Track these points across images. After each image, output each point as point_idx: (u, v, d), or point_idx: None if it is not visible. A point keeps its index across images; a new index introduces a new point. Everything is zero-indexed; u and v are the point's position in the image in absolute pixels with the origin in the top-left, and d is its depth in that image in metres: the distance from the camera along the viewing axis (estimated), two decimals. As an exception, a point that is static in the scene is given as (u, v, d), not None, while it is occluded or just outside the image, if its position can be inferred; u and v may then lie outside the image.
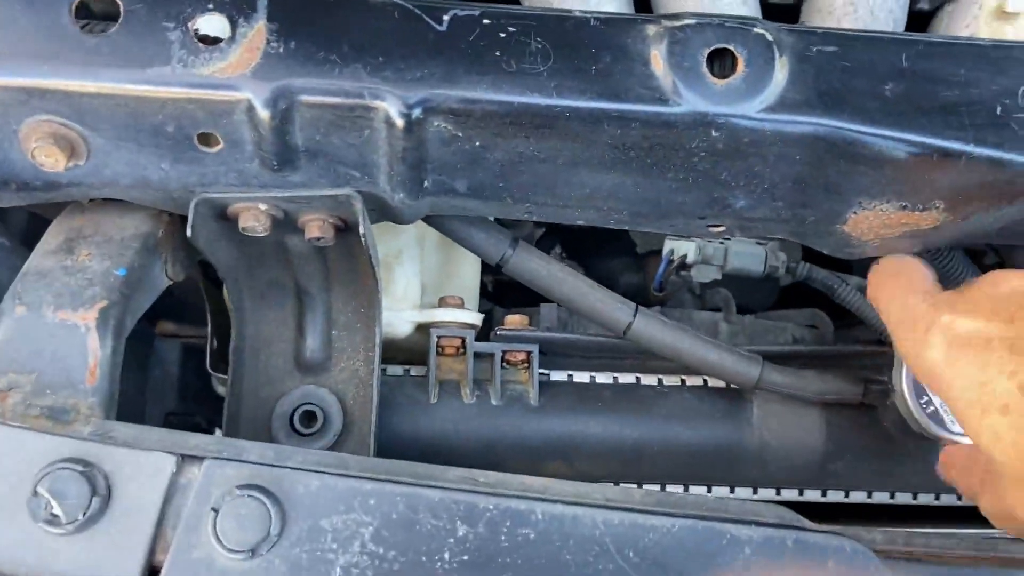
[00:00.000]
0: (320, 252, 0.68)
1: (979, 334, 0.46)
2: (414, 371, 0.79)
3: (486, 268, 0.87)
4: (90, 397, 0.53)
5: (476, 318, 0.79)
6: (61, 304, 0.56)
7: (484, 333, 0.81)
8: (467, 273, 0.85)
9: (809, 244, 0.65)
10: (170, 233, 0.65)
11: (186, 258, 0.68)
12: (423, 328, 0.78)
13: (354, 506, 0.49)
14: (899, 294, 0.54)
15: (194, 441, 0.52)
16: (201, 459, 0.50)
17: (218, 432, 0.73)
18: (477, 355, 0.76)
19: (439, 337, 0.75)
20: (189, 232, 0.58)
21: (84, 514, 0.47)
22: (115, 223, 0.62)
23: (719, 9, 0.81)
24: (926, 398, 0.68)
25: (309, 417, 0.70)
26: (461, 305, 0.79)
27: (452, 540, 0.50)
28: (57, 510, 0.46)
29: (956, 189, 0.57)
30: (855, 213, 0.60)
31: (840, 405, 0.75)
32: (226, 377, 0.76)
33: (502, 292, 1.02)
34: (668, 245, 0.89)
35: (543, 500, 0.52)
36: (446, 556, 0.49)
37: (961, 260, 0.83)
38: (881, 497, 0.81)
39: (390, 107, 0.54)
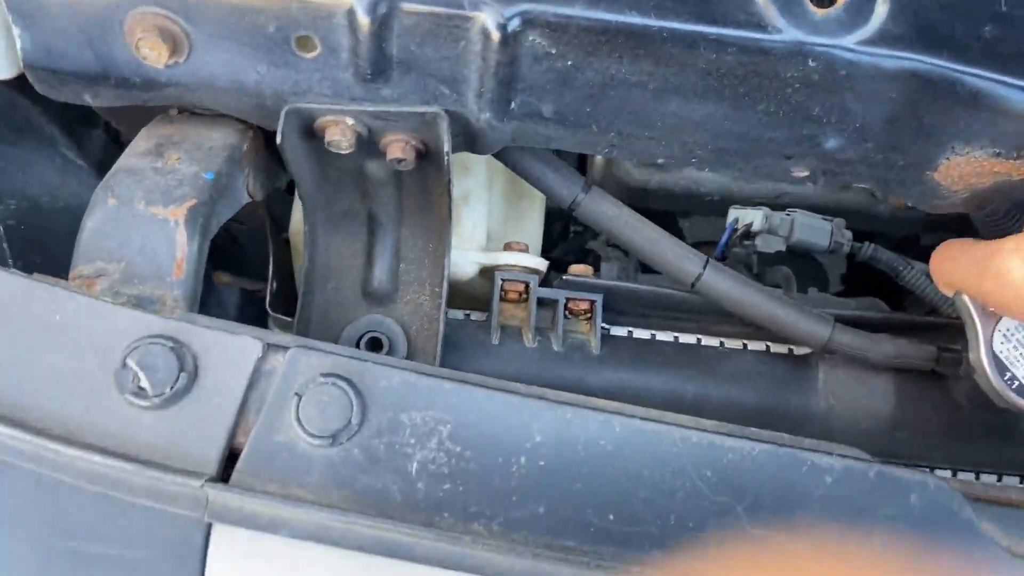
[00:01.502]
0: (396, 180, 0.68)
1: None
2: (474, 316, 0.78)
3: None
4: (176, 290, 0.54)
5: (541, 263, 0.79)
6: (152, 200, 0.56)
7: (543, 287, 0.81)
8: (531, 224, 0.85)
9: (895, 193, 0.64)
10: (254, 149, 0.65)
11: (266, 178, 0.69)
12: (487, 271, 0.78)
13: (434, 403, 0.49)
14: (966, 250, 0.57)
15: (276, 336, 0.52)
16: (286, 348, 0.50)
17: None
18: (540, 302, 0.75)
19: (503, 280, 0.75)
20: (279, 140, 0.58)
21: (171, 388, 0.47)
22: (203, 133, 0.63)
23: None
24: (1009, 374, 0.67)
25: (375, 344, 0.70)
26: (526, 250, 0.79)
27: (529, 445, 0.49)
28: (144, 383, 0.47)
29: (1054, 136, 0.56)
30: (947, 159, 0.59)
31: (910, 372, 0.74)
32: (285, 319, 0.76)
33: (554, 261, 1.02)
34: (732, 214, 0.88)
35: (620, 415, 0.51)
36: (522, 460, 0.49)
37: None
38: (943, 473, 0.79)
39: (487, 18, 0.54)
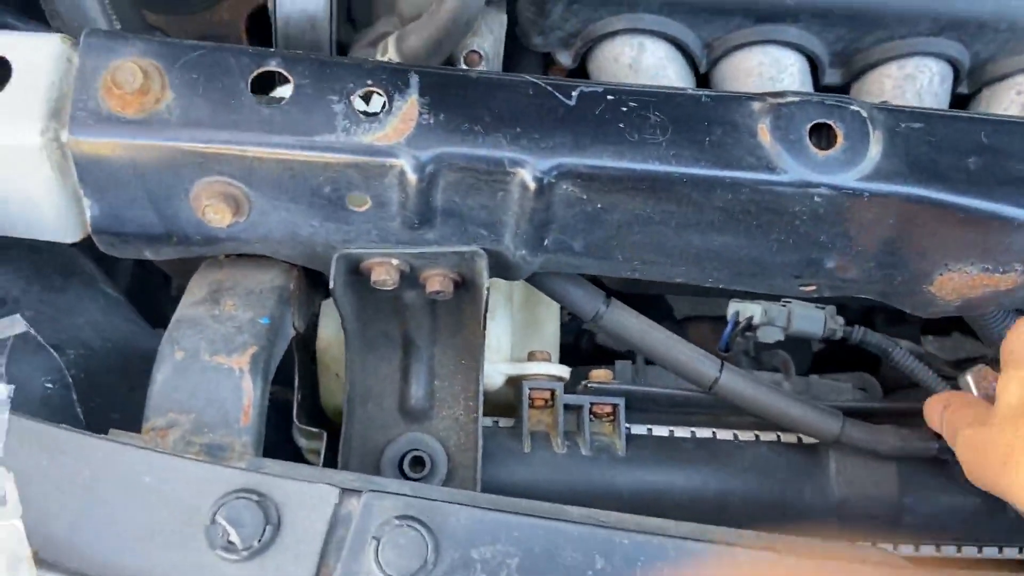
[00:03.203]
0: (431, 306, 0.72)
1: None
2: (502, 422, 0.82)
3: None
4: (244, 436, 0.57)
5: (564, 371, 0.83)
6: (216, 349, 0.60)
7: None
8: (549, 330, 0.90)
9: (894, 304, 0.70)
10: (299, 287, 0.69)
11: (307, 311, 0.73)
12: (513, 380, 0.83)
13: (500, 538, 0.53)
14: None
15: (340, 476, 0.55)
16: (359, 492, 0.53)
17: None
18: (567, 406, 0.80)
19: (531, 389, 0.79)
20: (332, 285, 0.63)
21: (259, 541, 0.50)
22: (252, 276, 0.67)
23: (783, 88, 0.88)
24: None
25: (417, 462, 0.74)
26: (550, 359, 0.83)
27: (591, 572, 0.53)
28: (234, 537, 0.50)
29: (1034, 253, 0.63)
30: (941, 275, 0.65)
31: (914, 459, 0.79)
32: (311, 429, 0.80)
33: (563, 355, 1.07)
34: (733, 307, 0.94)
35: (672, 536, 0.55)
36: (586, 587, 0.52)
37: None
38: (948, 551, 0.84)
39: (526, 172, 0.59)
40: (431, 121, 0.59)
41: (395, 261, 0.64)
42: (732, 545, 0.55)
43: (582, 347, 1.08)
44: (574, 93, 0.61)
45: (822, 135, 0.62)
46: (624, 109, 0.61)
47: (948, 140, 0.63)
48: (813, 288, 0.69)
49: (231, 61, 0.58)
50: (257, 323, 0.62)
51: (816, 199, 0.61)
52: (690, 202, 0.62)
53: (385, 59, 0.81)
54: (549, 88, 0.61)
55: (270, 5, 0.74)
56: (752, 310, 0.94)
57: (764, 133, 0.62)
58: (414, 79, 0.60)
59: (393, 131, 0.58)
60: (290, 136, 0.57)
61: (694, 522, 0.80)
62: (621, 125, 0.61)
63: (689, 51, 0.90)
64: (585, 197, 0.61)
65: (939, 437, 0.78)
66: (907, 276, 0.66)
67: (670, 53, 0.91)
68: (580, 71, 0.93)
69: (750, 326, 0.95)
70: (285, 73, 0.59)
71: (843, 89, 0.95)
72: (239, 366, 0.59)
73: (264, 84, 0.61)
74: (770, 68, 0.91)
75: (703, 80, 0.93)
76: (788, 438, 0.84)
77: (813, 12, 0.87)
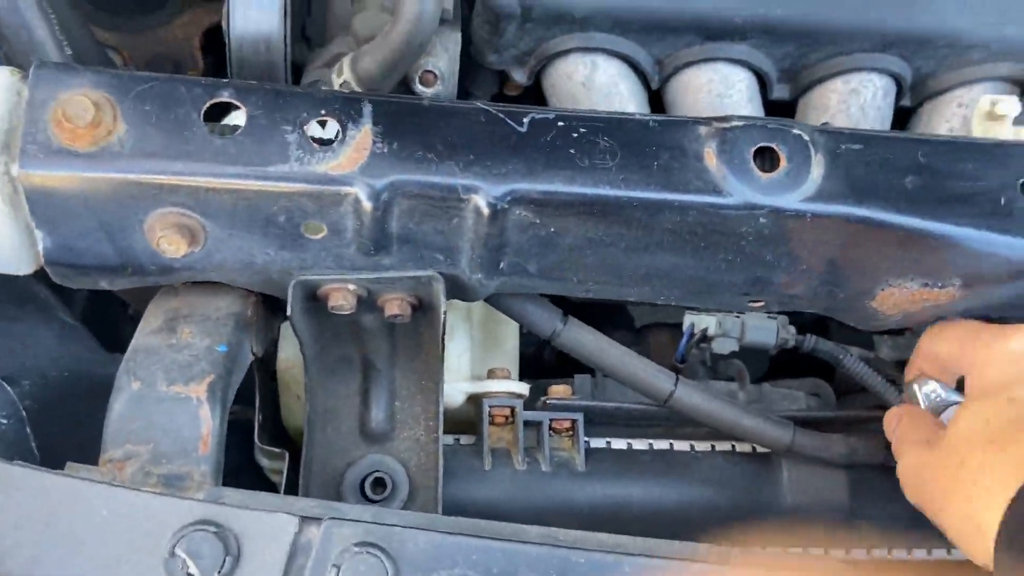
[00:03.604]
0: (390, 329, 0.73)
1: None
2: (464, 440, 0.83)
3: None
4: (203, 465, 0.57)
5: (524, 388, 0.84)
6: (173, 379, 0.60)
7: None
8: (508, 347, 0.91)
9: (839, 318, 0.72)
10: (256, 313, 0.69)
11: (266, 335, 0.73)
12: (473, 398, 0.84)
13: (459, 561, 0.54)
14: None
15: (300, 504, 0.56)
16: (319, 520, 0.54)
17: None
18: (527, 423, 0.81)
19: (491, 407, 0.80)
20: (289, 312, 0.63)
21: (219, 573, 0.50)
22: (210, 303, 0.67)
23: (729, 108, 0.91)
24: None
25: (378, 484, 0.74)
26: (509, 376, 0.84)
27: (548, 591, 0.54)
28: (193, 570, 0.50)
29: (970, 269, 0.65)
30: (882, 291, 0.67)
31: (864, 466, 0.82)
32: (273, 449, 0.80)
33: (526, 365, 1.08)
34: (688, 319, 0.96)
35: (628, 554, 0.57)
36: (544, 606, 0.54)
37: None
38: (900, 554, 0.87)
39: (480, 199, 0.60)
40: (385, 149, 0.60)
41: (352, 287, 0.65)
42: (687, 560, 0.57)
43: (545, 358, 1.09)
44: (526, 120, 0.62)
45: (766, 158, 0.64)
46: (575, 135, 0.63)
47: (887, 161, 0.66)
48: (761, 304, 0.71)
49: (183, 92, 0.59)
50: (214, 351, 0.63)
51: (761, 220, 0.63)
52: (640, 225, 0.63)
53: (341, 80, 0.81)
54: (501, 115, 0.62)
55: (224, 26, 0.74)
56: (707, 322, 0.96)
57: (710, 157, 0.63)
58: (367, 108, 0.60)
59: (347, 160, 0.59)
60: (244, 166, 0.58)
61: (653, 534, 0.81)
62: (572, 151, 0.62)
63: (641, 68, 0.92)
64: (538, 222, 0.62)
65: (888, 445, 0.81)
66: (850, 292, 0.68)
67: (622, 71, 0.93)
68: (535, 88, 0.94)
69: (705, 337, 0.98)
70: (238, 103, 0.59)
71: (791, 103, 0.98)
72: (196, 395, 0.59)
73: (218, 113, 0.61)
74: (719, 85, 0.93)
75: (655, 96, 0.95)
76: (743, 447, 0.86)
77: (760, 31, 0.89)
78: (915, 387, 0.74)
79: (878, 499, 0.82)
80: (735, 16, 0.88)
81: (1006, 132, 0.76)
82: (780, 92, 0.96)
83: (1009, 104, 0.76)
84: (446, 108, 0.62)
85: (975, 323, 0.68)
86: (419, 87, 0.87)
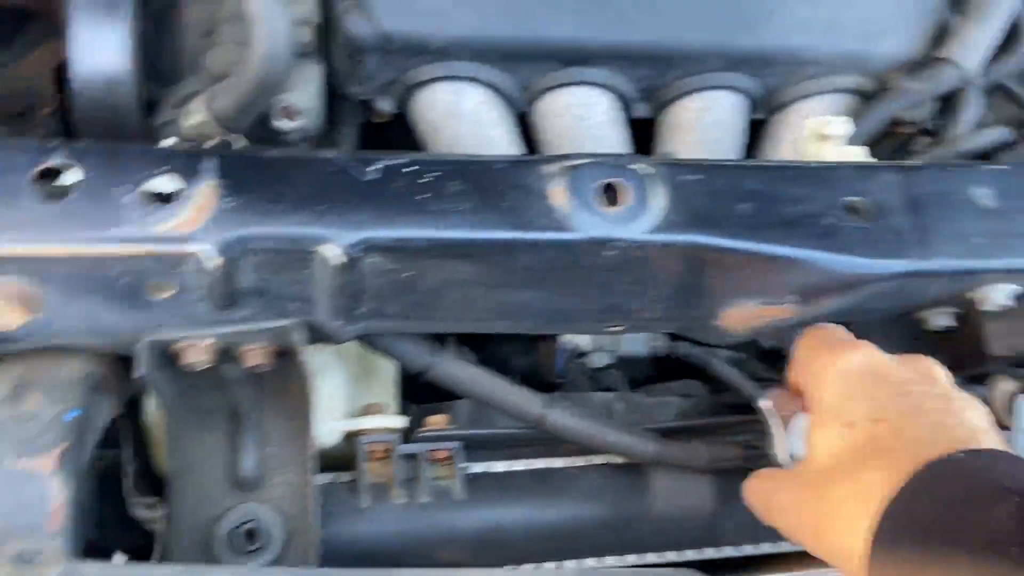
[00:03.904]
0: (254, 376, 0.72)
1: None
2: (343, 477, 0.83)
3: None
4: (56, 540, 0.55)
5: (401, 422, 0.85)
6: (20, 452, 0.58)
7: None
8: (387, 378, 0.91)
9: (693, 336, 0.76)
10: (112, 370, 0.67)
11: (123, 392, 0.71)
12: (351, 436, 0.83)
13: (326, 616, 0.54)
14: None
15: (160, 572, 0.55)
16: (177, 590, 0.53)
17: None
18: (404, 456, 0.81)
19: (367, 443, 0.81)
20: (138, 374, 0.62)
21: (72, 656, 0.49)
22: (59, 368, 0.64)
23: (592, 129, 0.94)
24: None
25: (250, 534, 0.73)
26: (385, 410, 0.84)
27: (418, 636, 0.55)
28: (44, 656, 0.48)
29: (803, 286, 0.70)
30: (726, 310, 0.71)
31: (727, 470, 0.86)
32: (146, 500, 0.78)
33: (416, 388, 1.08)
34: (564, 336, 0.99)
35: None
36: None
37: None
38: (767, 547, 0.92)
39: (332, 248, 0.61)
40: (230, 205, 0.59)
41: (206, 342, 0.64)
42: None
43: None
44: (375, 167, 0.63)
45: (611, 193, 0.67)
46: (425, 180, 0.64)
47: (724, 189, 0.70)
48: (620, 328, 0.74)
49: (13, 157, 0.56)
50: (64, 418, 0.61)
51: (609, 253, 0.66)
52: (495, 264, 0.65)
53: (196, 120, 0.80)
54: (351, 163, 0.62)
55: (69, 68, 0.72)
56: (582, 338, 0.99)
57: (557, 195, 0.66)
58: (209, 163, 0.60)
59: (190, 218, 0.58)
60: (80, 231, 0.56)
61: (532, 554, 0.84)
62: (423, 196, 0.63)
63: (506, 94, 0.94)
64: (393, 267, 0.63)
65: (744, 448, 0.86)
66: (698, 313, 0.72)
67: (488, 97, 0.94)
68: (404, 116, 0.95)
69: (580, 353, 1.01)
70: (72, 164, 0.57)
71: (652, 120, 1.02)
72: (45, 468, 0.57)
73: (54, 173, 0.59)
74: (580, 107, 0.96)
75: (524, 120, 0.97)
76: (617, 460, 0.89)
77: (616, 56, 0.93)
78: (765, 403, 0.76)
79: (740, 501, 0.86)
80: (591, 43, 0.91)
81: (835, 152, 0.82)
82: (640, 111, 1.00)
83: (838, 125, 0.81)
84: (294, 158, 0.62)
85: (816, 342, 0.69)
86: (280, 122, 0.86)
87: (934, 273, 0.70)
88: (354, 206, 0.61)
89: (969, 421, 0.59)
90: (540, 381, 1.08)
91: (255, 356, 0.66)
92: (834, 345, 0.67)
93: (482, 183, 0.65)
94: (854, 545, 0.55)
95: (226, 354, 0.67)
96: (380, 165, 0.63)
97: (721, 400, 1.12)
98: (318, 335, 0.68)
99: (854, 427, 0.60)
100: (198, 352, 0.64)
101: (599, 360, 1.01)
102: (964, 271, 0.71)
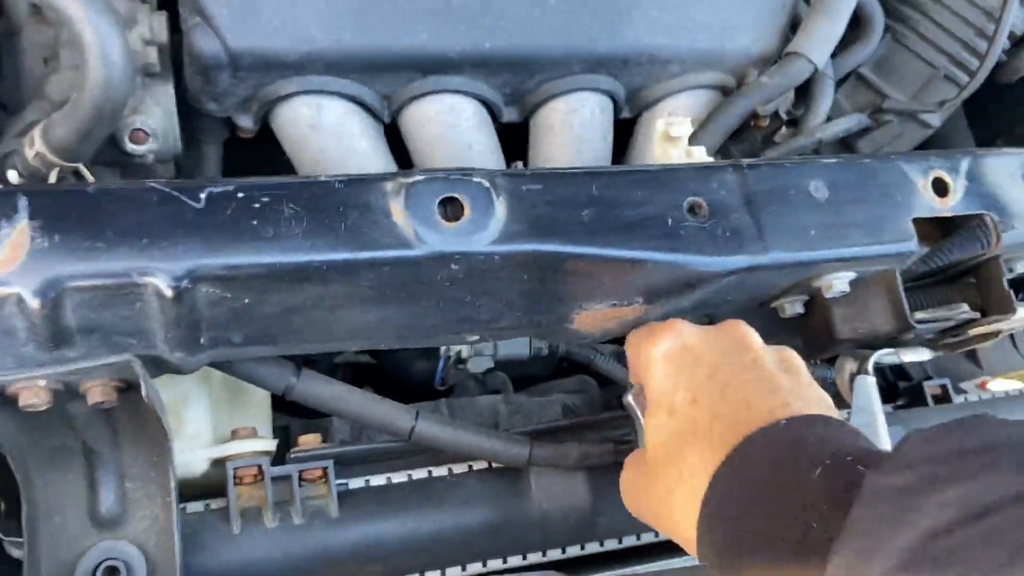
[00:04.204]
0: (105, 412, 0.70)
1: None
2: (215, 504, 0.82)
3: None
4: None
5: (269, 445, 0.84)
6: None
7: (283, 449, 0.86)
8: (258, 399, 0.90)
9: (550, 340, 0.77)
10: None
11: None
12: (219, 462, 0.82)
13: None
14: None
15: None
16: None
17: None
18: (276, 478, 0.81)
19: (235, 468, 0.80)
20: (-33, 420, 0.59)
21: None
22: None
23: (462, 136, 0.95)
24: None
25: (111, 572, 0.72)
26: (254, 434, 0.83)
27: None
28: None
29: (649, 286, 0.72)
30: (577, 314, 0.73)
31: (601, 467, 0.88)
32: (18, 540, 0.75)
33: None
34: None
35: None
36: None
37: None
38: (647, 537, 0.94)
39: (159, 281, 0.59)
40: (45, 244, 0.57)
41: (42, 383, 0.62)
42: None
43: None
44: (203, 195, 0.62)
45: (451, 207, 0.67)
46: (257, 205, 0.63)
47: (565, 196, 0.71)
48: (477, 338, 0.75)
49: None
50: None
51: (453, 267, 0.66)
52: (338, 285, 0.65)
53: (34, 152, 0.77)
54: (175, 193, 0.61)
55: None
56: (460, 345, 1.00)
57: (397, 212, 0.66)
58: (22, 202, 0.58)
59: (5, 259, 0.56)
60: None
61: (410, 566, 0.84)
62: (255, 222, 0.62)
63: (368, 105, 0.93)
64: (229, 295, 0.62)
65: (615, 443, 0.87)
66: (550, 319, 0.73)
67: (350, 109, 0.93)
68: (268, 131, 0.93)
69: (460, 359, 1.01)
70: None
71: (523, 124, 1.03)
72: None
73: None
74: (448, 115, 0.96)
75: (391, 130, 0.97)
76: (498, 464, 0.90)
77: (474, 63, 0.93)
78: (629, 399, 0.78)
79: (615, 494, 0.88)
80: (447, 52, 0.91)
81: (680, 152, 0.84)
82: (510, 115, 1.01)
83: (681, 127, 0.83)
84: (114, 192, 0.60)
85: (639, 335, 0.71)
86: (130, 146, 0.84)
87: (772, 266, 0.73)
88: (180, 237, 0.60)
89: (781, 385, 0.61)
90: (438, 391, 1.09)
91: (97, 393, 0.65)
92: (653, 331, 0.69)
93: (318, 205, 0.64)
94: (688, 527, 0.58)
95: (69, 392, 0.65)
96: (207, 192, 0.62)
97: (610, 394, 1.16)
98: (163, 367, 0.67)
99: (675, 413, 0.63)
100: (35, 393, 0.62)
101: (479, 365, 1.02)
102: (800, 263, 0.74)
